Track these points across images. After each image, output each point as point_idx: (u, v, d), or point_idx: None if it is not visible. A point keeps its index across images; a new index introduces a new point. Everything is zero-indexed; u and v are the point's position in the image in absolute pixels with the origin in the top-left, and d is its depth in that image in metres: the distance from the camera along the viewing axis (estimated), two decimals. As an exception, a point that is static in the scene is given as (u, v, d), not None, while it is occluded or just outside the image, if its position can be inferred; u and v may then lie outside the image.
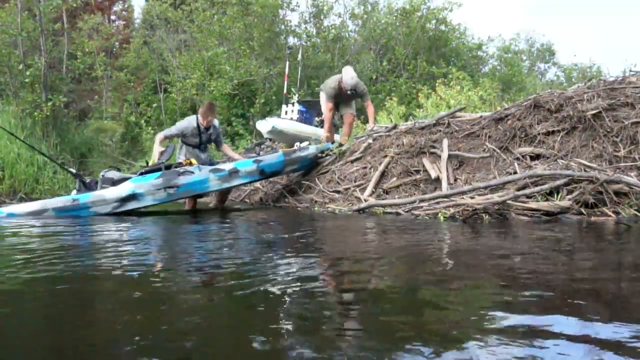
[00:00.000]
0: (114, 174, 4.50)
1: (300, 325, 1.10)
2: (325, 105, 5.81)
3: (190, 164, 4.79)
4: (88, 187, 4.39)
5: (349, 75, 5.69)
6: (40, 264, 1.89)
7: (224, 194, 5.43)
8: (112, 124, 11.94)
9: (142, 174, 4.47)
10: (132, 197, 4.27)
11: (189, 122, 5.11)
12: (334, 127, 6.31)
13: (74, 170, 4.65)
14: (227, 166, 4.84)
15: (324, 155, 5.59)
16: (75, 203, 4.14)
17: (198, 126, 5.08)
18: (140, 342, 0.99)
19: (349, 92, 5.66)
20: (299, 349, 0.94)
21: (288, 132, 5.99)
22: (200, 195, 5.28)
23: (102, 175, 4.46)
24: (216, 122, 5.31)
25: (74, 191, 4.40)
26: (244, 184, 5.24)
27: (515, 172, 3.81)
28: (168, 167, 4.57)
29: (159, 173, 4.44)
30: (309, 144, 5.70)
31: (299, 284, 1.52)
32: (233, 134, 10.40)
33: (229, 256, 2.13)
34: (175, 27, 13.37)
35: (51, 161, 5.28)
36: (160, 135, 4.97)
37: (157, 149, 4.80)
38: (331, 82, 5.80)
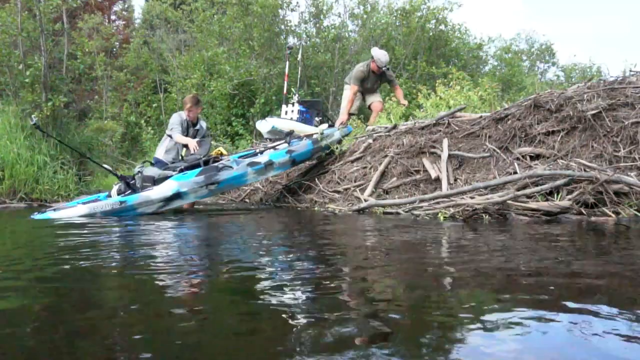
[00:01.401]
0: (153, 172, 4.55)
1: (298, 327, 1.11)
2: (350, 88, 5.95)
3: (221, 154, 4.94)
4: (132, 188, 4.42)
5: (381, 53, 5.89)
6: (48, 263, 1.89)
7: None
8: (112, 124, 11.94)
9: (181, 170, 4.55)
10: (177, 195, 4.35)
11: (179, 116, 5.06)
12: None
13: (118, 173, 4.72)
14: (263, 159, 4.95)
15: (324, 153, 5.63)
16: (123, 205, 4.17)
17: (186, 120, 5.07)
18: (141, 342, 1.00)
19: (384, 68, 5.87)
20: (298, 351, 0.94)
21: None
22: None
23: (140, 173, 4.50)
24: (204, 123, 5.28)
25: (114, 189, 4.46)
26: (277, 175, 5.40)
27: (515, 172, 3.81)
28: (206, 162, 4.67)
29: (199, 170, 4.51)
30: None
31: (298, 285, 1.52)
32: (233, 134, 10.39)
33: (229, 256, 2.13)
34: (175, 27, 13.36)
35: (92, 162, 5.39)
36: (178, 135, 4.92)
37: (191, 141, 4.85)
38: (360, 66, 5.96)
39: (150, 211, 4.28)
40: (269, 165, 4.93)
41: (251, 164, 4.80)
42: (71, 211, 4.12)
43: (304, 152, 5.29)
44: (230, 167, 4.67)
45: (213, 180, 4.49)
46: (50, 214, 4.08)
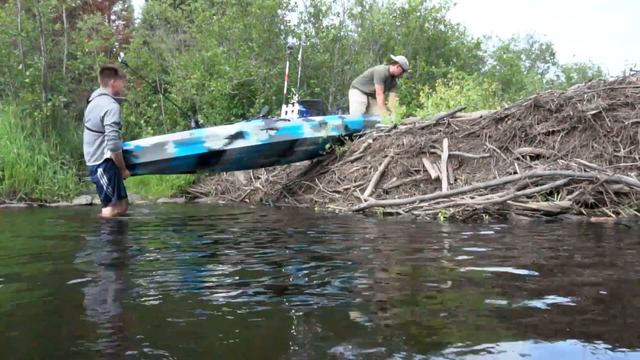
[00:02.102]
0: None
1: (298, 326, 1.11)
2: (379, 88, 6.37)
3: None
4: (201, 127, 4.85)
5: (405, 59, 6.53)
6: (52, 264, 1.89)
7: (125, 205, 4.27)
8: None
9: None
10: (240, 134, 4.70)
11: (119, 106, 3.97)
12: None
13: (189, 113, 5.28)
14: (317, 118, 5.46)
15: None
16: (193, 136, 4.44)
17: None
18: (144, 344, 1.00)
19: (406, 71, 6.64)
20: (298, 349, 0.94)
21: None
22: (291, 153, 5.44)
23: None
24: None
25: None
26: (331, 137, 5.59)
27: (515, 172, 3.82)
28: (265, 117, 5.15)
29: (261, 119, 5.04)
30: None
31: (296, 285, 1.52)
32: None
33: (227, 255, 2.13)
34: (175, 27, 13.34)
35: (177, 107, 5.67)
36: (120, 154, 3.92)
37: (124, 170, 4.08)
38: (382, 69, 6.44)
39: (216, 148, 4.54)
40: (323, 123, 5.37)
41: (307, 120, 5.33)
42: (148, 140, 4.39)
43: (356, 122, 5.76)
44: (288, 120, 5.20)
45: (272, 127, 4.93)
46: (131, 142, 4.28)
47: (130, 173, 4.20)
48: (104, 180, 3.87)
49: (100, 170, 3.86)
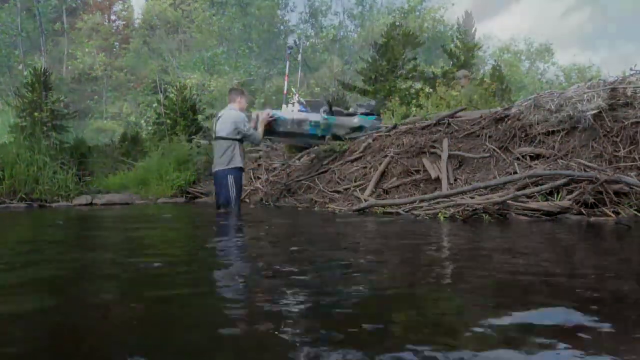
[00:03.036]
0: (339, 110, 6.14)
1: (297, 325, 1.11)
2: None
3: None
4: (334, 113, 5.84)
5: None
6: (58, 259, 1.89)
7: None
8: (112, 124, 11.91)
9: (362, 113, 6.12)
10: (360, 127, 5.83)
11: (244, 114, 4.76)
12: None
13: (328, 100, 6.69)
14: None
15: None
16: (325, 122, 5.56)
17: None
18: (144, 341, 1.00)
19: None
20: (297, 348, 0.94)
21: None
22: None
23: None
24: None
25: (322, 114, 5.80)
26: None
27: (515, 172, 3.82)
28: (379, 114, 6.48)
29: (375, 115, 6.15)
30: None
31: (295, 285, 1.52)
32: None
33: (225, 255, 2.13)
34: (175, 27, 13.34)
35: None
36: (259, 132, 4.91)
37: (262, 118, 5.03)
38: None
39: (339, 134, 5.66)
40: (378, 117, 6.38)
41: (369, 115, 6.25)
42: (289, 113, 5.32)
43: None
44: (371, 112, 6.18)
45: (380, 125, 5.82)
46: (275, 111, 5.19)
47: (267, 136, 5.19)
48: (232, 188, 4.48)
49: (231, 177, 4.46)
